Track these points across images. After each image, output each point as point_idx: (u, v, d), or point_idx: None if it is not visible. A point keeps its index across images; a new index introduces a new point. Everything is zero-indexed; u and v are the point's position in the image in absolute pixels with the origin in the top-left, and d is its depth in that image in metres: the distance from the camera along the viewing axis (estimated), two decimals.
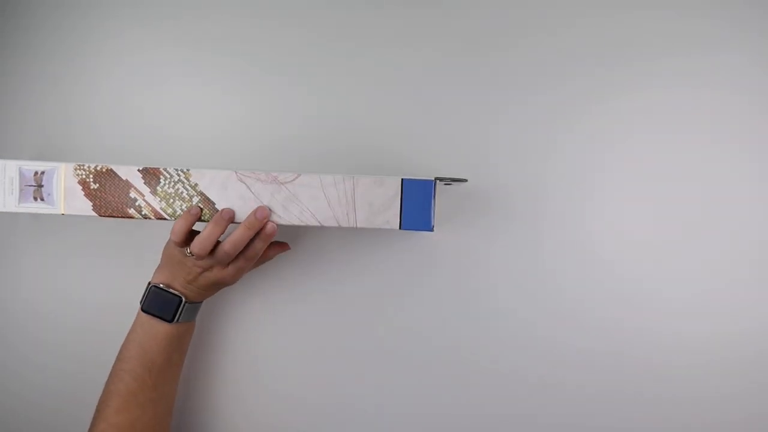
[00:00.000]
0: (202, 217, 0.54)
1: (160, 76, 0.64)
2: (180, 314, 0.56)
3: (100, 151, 0.64)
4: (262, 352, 0.65)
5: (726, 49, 0.61)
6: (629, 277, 0.62)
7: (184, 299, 0.56)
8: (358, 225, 0.53)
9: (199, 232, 0.53)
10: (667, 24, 0.61)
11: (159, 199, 0.54)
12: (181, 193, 0.54)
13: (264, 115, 0.64)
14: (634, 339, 0.62)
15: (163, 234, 0.65)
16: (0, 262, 0.66)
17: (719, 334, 0.61)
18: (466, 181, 0.57)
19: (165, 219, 0.54)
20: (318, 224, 0.53)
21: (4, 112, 0.65)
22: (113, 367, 0.57)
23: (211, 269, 0.55)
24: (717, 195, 0.61)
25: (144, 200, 0.54)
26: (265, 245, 0.54)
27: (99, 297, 0.65)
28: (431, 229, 0.53)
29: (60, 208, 0.54)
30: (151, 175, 0.54)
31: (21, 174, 0.55)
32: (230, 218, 0.53)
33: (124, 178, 0.54)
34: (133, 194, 0.54)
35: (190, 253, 0.53)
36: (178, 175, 0.54)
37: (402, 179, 0.53)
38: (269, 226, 0.53)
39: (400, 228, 0.53)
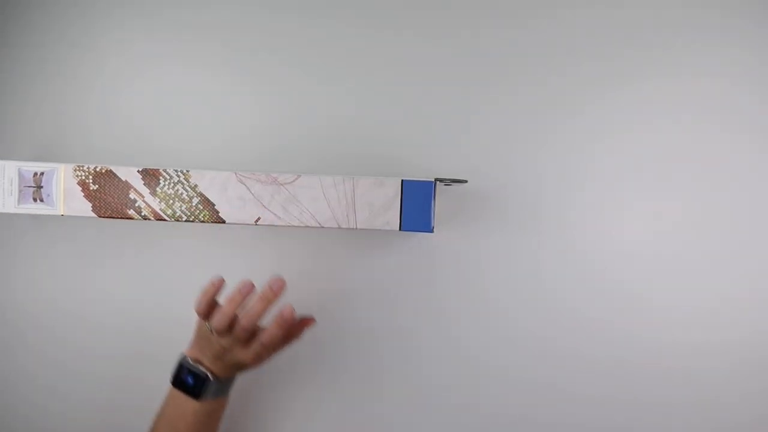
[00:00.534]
0: (201, 218, 0.54)
1: (160, 78, 0.64)
2: (207, 391, 0.54)
3: (99, 152, 0.64)
4: None
5: (726, 41, 0.61)
6: (630, 277, 0.62)
7: (211, 376, 0.54)
8: (358, 226, 0.53)
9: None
10: (666, 19, 0.61)
11: (159, 200, 0.54)
12: (181, 194, 0.54)
13: (264, 117, 0.64)
14: (634, 340, 0.62)
15: (163, 235, 0.65)
16: (0, 263, 0.66)
17: (719, 337, 0.61)
18: (465, 182, 0.57)
19: (164, 220, 0.54)
20: (318, 225, 0.53)
21: (3, 113, 0.65)
22: None
23: (232, 349, 0.53)
24: (717, 194, 0.61)
25: (144, 201, 0.54)
26: (281, 331, 0.52)
27: (98, 297, 0.65)
28: (431, 230, 0.53)
29: (59, 209, 0.54)
30: (150, 176, 0.54)
31: (20, 175, 0.55)
32: (247, 292, 0.52)
33: (123, 179, 0.54)
34: (132, 195, 0.54)
35: (211, 328, 0.52)
36: (178, 176, 0.54)
37: (402, 180, 0.53)
38: (287, 310, 0.51)
39: (400, 229, 0.53)
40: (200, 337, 0.55)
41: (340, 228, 0.53)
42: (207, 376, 0.54)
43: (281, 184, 0.53)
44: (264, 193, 0.53)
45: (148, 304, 0.65)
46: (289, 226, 0.53)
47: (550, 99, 0.62)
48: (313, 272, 0.64)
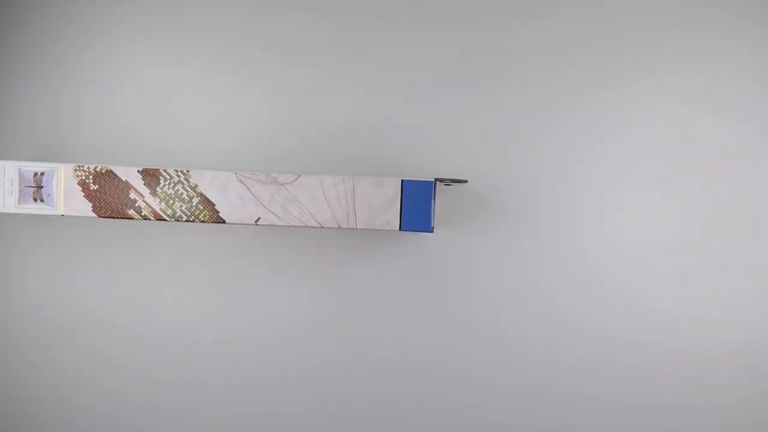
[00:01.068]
0: (202, 218, 0.54)
1: (160, 78, 0.64)
2: None
3: (99, 152, 0.64)
4: (261, 351, 0.65)
5: (727, 39, 0.61)
6: (630, 277, 0.62)
7: None
8: (358, 226, 0.53)
9: None
10: (666, 18, 0.61)
11: (159, 200, 0.54)
12: (181, 194, 0.54)
13: (264, 117, 0.64)
14: (634, 342, 0.62)
15: (163, 235, 0.65)
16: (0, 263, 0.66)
17: (719, 340, 0.61)
18: (466, 182, 0.57)
19: (165, 220, 0.54)
20: (318, 225, 0.53)
21: (3, 113, 0.65)
22: None
23: None
24: (717, 195, 0.61)
25: (144, 201, 0.54)
26: None
27: (98, 297, 0.65)
28: (431, 230, 0.53)
29: (60, 209, 0.54)
30: (150, 176, 0.54)
31: (20, 175, 0.55)
32: None
33: (123, 179, 0.54)
34: (132, 195, 0.54)
35: None
36: (178, 176, 0.54)
37: (402, 180, 0.53)
38: None
39: (400, 229, 0.53)
40: None
41: (340, 228, 0.53)
42: None
43: (281, 184, 0.53)
44: (264, 193, 0.53)
45: (148, 304, 0.65)
46: (289, 226, 0.53)
47: (550, 99, 0.62)
48: (313, 272, 0.64)
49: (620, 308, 0.62)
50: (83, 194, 0.54)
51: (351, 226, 0.53)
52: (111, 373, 0.65)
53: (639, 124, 0.62)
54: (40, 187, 0.54)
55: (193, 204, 0.54)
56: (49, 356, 0.66)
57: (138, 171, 0.54)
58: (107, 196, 0.54)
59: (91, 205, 0.54)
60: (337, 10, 0.63)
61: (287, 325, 0.64)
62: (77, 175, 0.54)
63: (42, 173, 0.54)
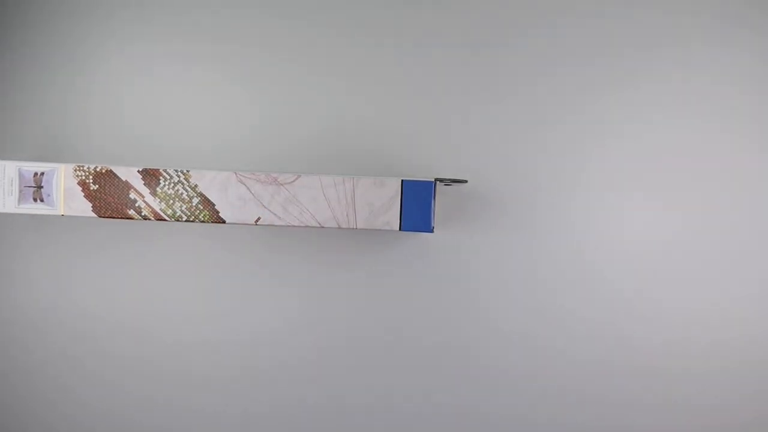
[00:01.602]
0: (202, 218, 0.54)
1: (160, 77, 0.64)
2: None
3: (99, 152, 0.64)
4: (261, 350, 0.65)
5: (726, 41, 0.61)
6: (630, 277, 0.62)
7: None
8: (358, 226, 0.53)
9: None
10: (666, 20, 0.61)
11: (159, 200, 0.54)
12: (181, 194, 0.54)
13: (264, 117, 0.64)
14: (634, 340, 0.62)
15: (163, 235, 0.65)
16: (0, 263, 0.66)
17: (718, 337, 0.62)
18: (465, 182, 0.57)
19: (165, 220, 0.54)
20: (318, 225, 0.53)
21: (3, 113, 0.65)
22: None
23: None
24: (718, 194, 0.61)
25: (144, 201, 0.54)
26: None
27: (98, 297, 0.65)
28: (431, 230, 0.53)
29: (59, 209, 0.54)
30: (150, 176, 0.54)
31: (20, 175, 0.55)
32: None
33: (123, 179, 0.54)
34: (132, 195, 0.54)
35: None
36: (178, 176, 0.54)
37: (402, 180, 0.53)
38: None
39: (400, 229, 0.53)
40: None
41: (340, 228, 0.53)
42: None
43: (281, 184, 0.53)
44: (264, 193, 0.53)
45: (148, 304, 0.65)
46: (289, 226, 0.53)
47: (550, 99, 0.62)
48: (313, 272, 0.64)
49: (620, 307, 0.62)
50: (83, 194, 0.54)
51: (351, 226, 0.53)
52: (110, 373, 0.65)
53: (638, 126, 0.62)
54: (40, 187, 0.54)
55: (193, 204, 0.54)
56: (49, 355, 0.66)
57: (138, 171, 0.54)
58: (107, 196, 0.54)
59: (91, 205, 0.54)
60: (338, 10, 0.63)
61: (287, 324, 0.64)
62: (77, 175, 0.54)
63: (42, 173, 0.54)
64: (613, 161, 0.62)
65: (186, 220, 0.54)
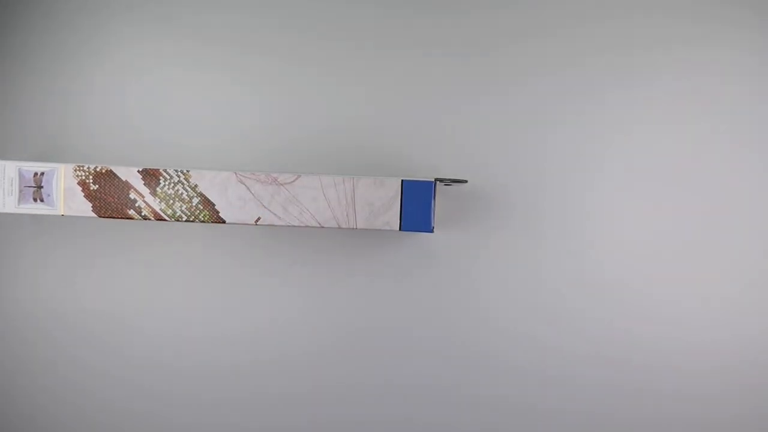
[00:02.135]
0: (202, 219, 0.54)
1: (160, 78, 0.64)
2: None
3: (99, 152, 0.64)
4: (261, 350, 0.65)
5: (729, 41, 0.61)
6: (631, 277, 0.62)
7: None
8: (358, 226, 0.53)
9: None
10: (668, 20, 0.61)
11: (159, 200, 0.54)
12: (181, 194, 0.54)
13: (264, 117, 0.64)
14: (636, 340, 0.62)
15: (163, 235, 0.65)
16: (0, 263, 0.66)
17: (720, 336, 0.62)
18: (466, 182, 0.57)
19: (165, 220, 0.54)
20: (318, 225, 0.53)
21: (3, 113, 0.65)
22: None
23: None
24: (718, 194, 0.61)
25: (144, 201, 0.54)
26: None
27: (98, 297, 0.65)
28: (431, 230, 0.53)
29: (59, 209, 0.54)
30: (150, 176, 0.54)
31: (20, 175, 0.55)
32: None
33: (123, 179, 0.54)
34: (132, 195, 0.54)
35: None
36: (178, 176, 0.54)
37: (402, 180, 0.53)
38: None
39: (400, 229, 0.53)
40: None
41: (340, 228, 0.53)
42: None
43: (281, 184, 0.53)
44: (264, 193, 0.53)
45: (148, 303, 0.65)
46: (289, 226, 0.53)
47: (550, 99, 0.62)
48: (313, 272, 0.64)
49: (623, 307, 0.62)
50: (83, 194, 0.54)
51: (351, 226, 0.53)
52: (109, 374, 0.65)
53: (639, 126, 0.62)
54: (40, 187, 0.54)
55: (193, 204, 0.54)
56: (49, 356, 0.66)
57: (138, 171, 0.54)
58: (107, 196, 0.54)
59: (91, 205, 0.54)
60: (338, 10, 0.63)
61: (287, 324, 0.64)
62: (77, 175, 0.54)
63: (42, 173, 0.54)
64: (613, 161, 0.62)
65: (186, 220, 0.54)
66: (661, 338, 0.62)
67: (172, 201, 0.54)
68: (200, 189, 0.54)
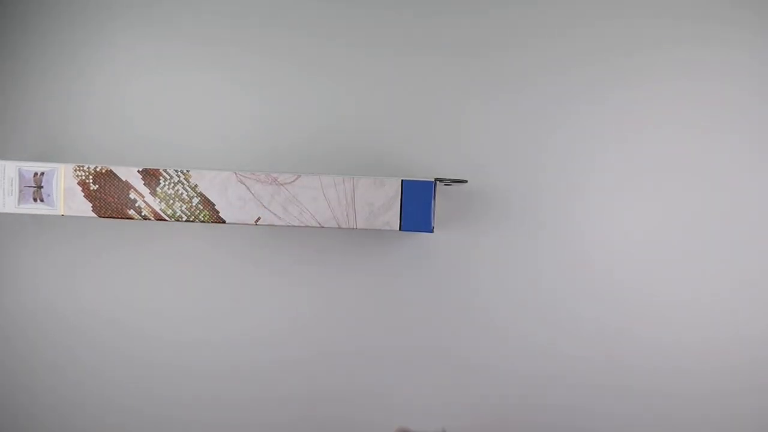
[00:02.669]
0: (202, 218, 0.54)
1: (160, 78, 0.64)
2: None
3: (99, 152, 0.64)
4: (261, 350, 0.65)
5: (728, 42, 0.61)
6: (629, 277, 0.62)
7: None
8: (358, 226, 0.53)
9: None
10: (668, 21, 0.61)
11: (159, 200, 0.54)
12: (181, 194, 0.54)
13: (264, 117, 0.64)
14: (635, 341, 0.62)
15: (163, 235, 0.65)
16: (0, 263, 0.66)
17: (719, 337, 0.62)
18: (466, 182, 0.57)
19: (165, 220, 0.54)
20: (318, 225, 0.53)
21: (3, 113, 0.65)
22: None
23: None
24: (718, 193, 0.61)
25: (144, 201, 0.54)
26: None
27: (98, 298, 0.65)
28: (431, 230, 0.53)
29: (59, 209, 0.54)
30: (150, 176, 0.54)
31: (20, 175, 0.55)
32: None
33: (123, 179, 0.54)
34: (132, 195, 0.54)
35: None
36: (178, 176, 0.54)
37: (402, 180, 0.53)
38: None
39: (400, 229, 0.53)
40: None
41: (340, 228, 0.53)
42: None
43: (281, 184, 0.53)
44: (264, 193, 0.53)
45: (148, 304, 0.65)
46: (289, 226, 0.53)
47: (550, 99, 0.62)
48: (313, 272, 0.64)
49: (623, 307, 0.62)
50: (83, 194, 0.54)
51: (351, 226, 0.53)
52: (109, 374, 0.65)
53: (639, 126, 0.62)
54: (40, 187, 0.54)
55: (193, 204, 0.54)
56: (49, 356, 0.66)
57: (138, 171, 0.54)
58: (107, 196, 0.54)
59: (91, 205, 0.54)
60: (338, 11, 0.63)
61: (287, 324, 0.64)
62: (77, 175, 0.54)
63: (42, 173, 0.54)
64: (613, 161, 0.62)
65: (186, 220, 0.54)
66: (659, 337, 0.62)
67: (172, 201, 0.54)
68: (200, 189, 0.54)
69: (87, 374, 0.66)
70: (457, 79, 0.63)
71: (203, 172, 0.54)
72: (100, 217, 0.54)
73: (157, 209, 0.54)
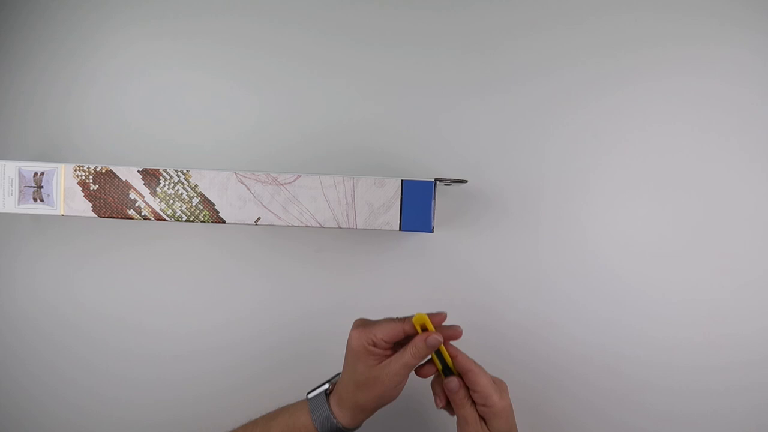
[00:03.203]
0: (202, 219, 0.54)
1: (160, 78, 0.64)
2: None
3: (99, 152, 0.64)
4: (261, 350, 0.65)
5: (728, 41, 0.61)
6: (628, 276, 0.62)
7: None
8: (358, 226, 0.53)
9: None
10: (667, 19, 0.61)
11: (159, 200, 0.54)
12: (181, 194, 0.54)
13: (264, 117, 0.64)
14: (633, 339, 0.62)
15: (163, 235, 0.65)
16: (0, 263, 0.66)
17: (717, 335, 0.62)
18: (465, 182, 0.57)
19: (165, 220, 0.54)
20: (318, 225, 0.53)
21: (4, 113, 0.65)
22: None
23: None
24: (717, 192, 0.61)
25: (144, 201, 0.54)
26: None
27: (98, 297, 0.65)
28: (431, 230, 0.53)
29: (59, 209, 0.54)
30: (150, 176, 0.54)
31: (20, 175, 0.55)
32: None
33: (123, 179, 0.54)
34: (132, 195, 0.54)
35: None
36: (178, 176, 0.54)
37: (402, 180, 0.53)
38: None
39: (399, 229, 0.53)
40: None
41: (340, 228, 0.53)
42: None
43: (281, 184, 0.53)
44: (264, 193, 0.53)
45: (148, 304, 0.65)
46: (289, 226, 0.53)
47: (550, 99, 0.62)
48: (313, 272, 0.64)
49: (623, 307, 0.62)
50: (83, 194, 0.54)
51: (351, 226, 0.53)
52: (109, 374, 0.65)
53: (639, 125, 0.62)
54: (40, 187, 0.54)
55: (193, 204, 0.54)
56: (49, 356, 0.66)
57: (138, 171, 0.54)
58: (107, 196, 0.54)
59: (91, 205, 0.54)
60: (338, 11, 0.63)
61: (287, 323, 0.65)
62: (77, 175, 0.54)
63: (42, 173, 0.54)
64: (613, 161, 0.62)
65: (186, 220, 0.54)
66: (658, 336, 0.62)
67: (172, 201, 0.54)
68: (200, 189, 0.54)
69: (87, 374, 0.66)
70: (457, 79, 0.63)
71: (203, 172, 0.54)
72: (100, 217, 0.54)
73: (157, 209, 0.54)
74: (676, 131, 0.61)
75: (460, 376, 0.50)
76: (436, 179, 0.54)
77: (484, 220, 0.63)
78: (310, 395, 0.53)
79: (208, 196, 0.54)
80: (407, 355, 0.49)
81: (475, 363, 0.50)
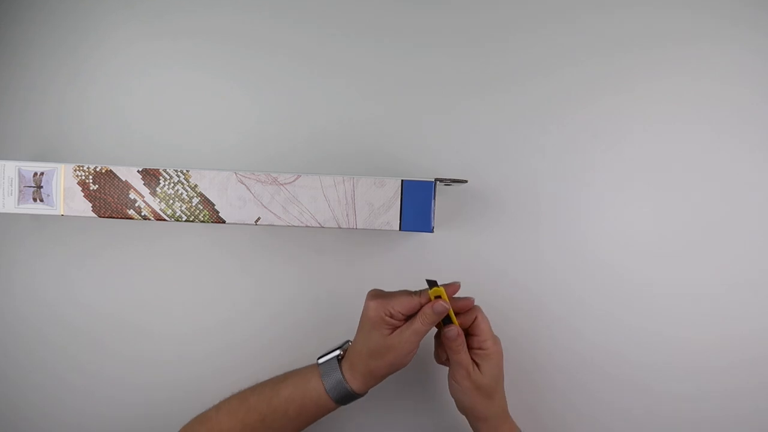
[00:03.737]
0: (201, 219, 0.54)
1: (160, 78, 0.64)
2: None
3: (99, 152, 0.64)
4: (263, 352, 0.65)
5: (727, 41, 0.61)
6: (629, 275, 0.62)
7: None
8: (358, 226, 0.53)
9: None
10: (666, 20, 0.61)
11: (159, 200, 0.54)
12: (181, 194, 0.54)
13: (264, 117, 0.64)
14: (633, 338, 0.62)
15: (163, 235, 0.65)
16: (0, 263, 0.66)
17: (717, 334, 0.62)
18: (465, 182, 0.57)
19: (164, 220, 0.54)
20: (318, 225, 0.53)
21: (3, 113, 0.65)
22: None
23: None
24: (716, 192, 0.61)
25: (144, 201, 0.54)
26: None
27: (98, 297, 0.65)
28: (431, 230, 0.53)
29: (59, 209, 0.54)
30: (150, 176, 0.54)
31: (20, 175, 0.55)
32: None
33: (123, 179, 0.54)
34: (132, 195, 0.54)
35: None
36: (178, 176, 0.54)
37: (402, 180, 0.53)
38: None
39: (400, 229, 0.53)
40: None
41: (340, 228, 0.53)
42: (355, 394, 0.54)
43: (281, 184, 0.53)
44: (264, 193, 0.53)
45: (148, 304, 0.65)
46: (289, 226, 0.53)
47: (549, 99, 0.62)
48: (313, 272, 0.64)
49: (622, 307, 0.62)
50: (83, 194, 0.54)
51: (351, 226, 0.53)
52: (109, 374, 0.65)
53: (638, 125, 0.62)
54: (39, 187, 0.54)
55: (193, 204, 0.54)
56: (48, 356, 0.66)
57: (138, 171, 0.54)
58: (107, 196, 0.54)
59: (91, 205, 0.54)
60: (338, 11, 0.63)
61: (287, 323, 0.64)
62: (77, 175, 0.54)
63: (42, 173, 0.54)
64: (613, 161, 0.62)
65: (186, 220, 0.54)
66: (656, 335, 0.62)
67: (172, 201, 0.54)
68: (200, 189, 0.54)
69: (86, 374, 0.66)
70: (457, 79, 0.63)
71: (203, 172, 0.54)
72: (99, 217, 0.54)
73: (157, 209, 0.54)
74: (676, 131, 0.61)
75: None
76: (436, 179, 0.54)
77: (484, 220, 0.63)
78: (321, 360, 0.55)
79: (208, 196, 0.54)
80: (417, 322, 0.52)
81: (480, 309, 0.55)
